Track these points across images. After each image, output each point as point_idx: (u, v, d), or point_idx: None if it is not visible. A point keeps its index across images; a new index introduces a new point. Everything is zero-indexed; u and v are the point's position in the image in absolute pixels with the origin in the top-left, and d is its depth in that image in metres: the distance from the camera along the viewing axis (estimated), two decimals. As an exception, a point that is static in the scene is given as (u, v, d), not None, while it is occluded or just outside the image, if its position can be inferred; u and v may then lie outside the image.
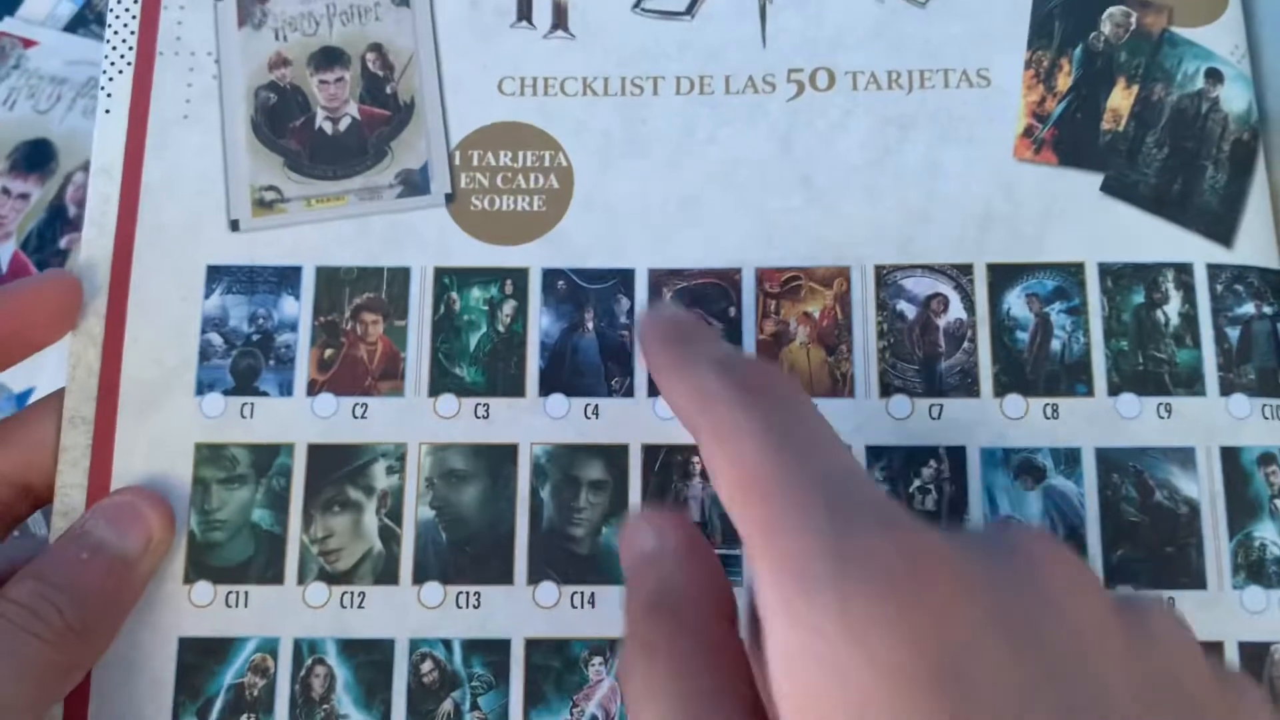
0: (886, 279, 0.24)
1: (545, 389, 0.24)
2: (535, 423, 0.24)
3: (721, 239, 0.25)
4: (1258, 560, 0.23)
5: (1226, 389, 0.24)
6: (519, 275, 0.24)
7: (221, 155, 0.25)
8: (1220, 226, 0.24)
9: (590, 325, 0.24)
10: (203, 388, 0.24)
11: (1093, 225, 0.24)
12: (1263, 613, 0.23)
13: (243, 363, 0.24)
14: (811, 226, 0.25)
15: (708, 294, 0.24)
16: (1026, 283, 0.24)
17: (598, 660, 0.23)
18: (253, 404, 0.24)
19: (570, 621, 0.23)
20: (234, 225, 0.25)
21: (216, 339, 0.24)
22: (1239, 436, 0.24)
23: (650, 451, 0.24)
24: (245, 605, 0.23)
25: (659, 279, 0.24)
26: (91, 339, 0.24)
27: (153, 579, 0.23)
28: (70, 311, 0.24)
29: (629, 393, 0.24)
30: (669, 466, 0.24)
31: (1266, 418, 0.24)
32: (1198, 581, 0.23)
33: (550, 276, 0.24)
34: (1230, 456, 0.23)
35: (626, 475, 0.24)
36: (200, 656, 0.23)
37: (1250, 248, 0.24)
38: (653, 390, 0.24)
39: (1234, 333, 0.24)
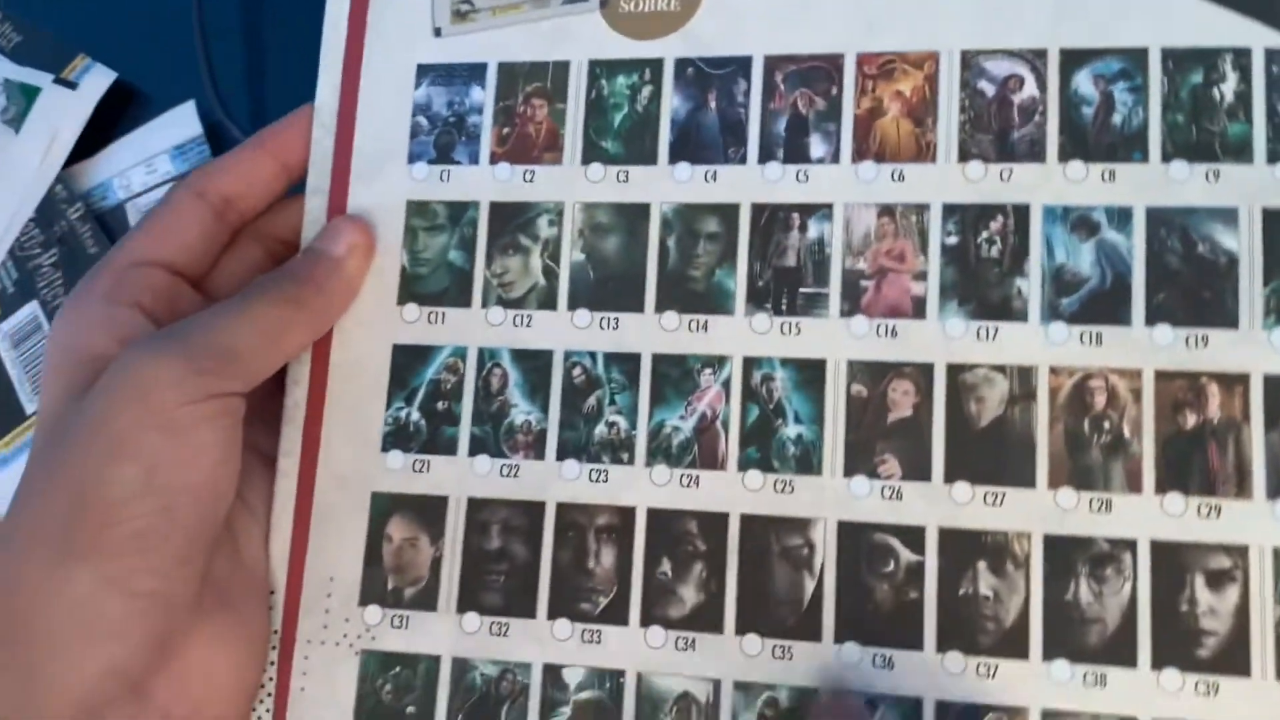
0: (970, 62, 0.29)
1: (674, 158, 0.30)
2: (664, 186, 0.30)
3: (827, 28, 0.30)
4: (1287, 305, 0.27)
5: (1273, 158, 0.28)
6: (655, 65, 0.31)
7: (427, -24, 0.33)
8: (1274, 12, 0.28)
9: (713, 105, 0.31)
10: (412, 158, 0.32)
11: (1158, 13, 0.28)
12: (1283, 350, 0.27)
13: (442, 139, 0.32)
14: (909, 16, 0.30)
15: (815, 75, 0.30)
16: (1094, 65, 0.29)
17: (708, 371, 0.29)
18: (449, 170, 0.32)
19: (686, 341, 0.30)
20: (437, 32, 0.33)
21: (423, 120, 0.32)
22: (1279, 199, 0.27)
23: (758, 209, 0.30)
24: (442, 322, 0.31)
25: (772, 64, 0.30)
26: (326, 128, 0.32)
27: (373, 302, 0.31)
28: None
29: (742, 160, 0.30)
30: (772, 221, 0.30)
31: (1310, 182, 0.27)
32: (1230, 322, 0.27)
33: (681, 65, 0.31)
34: (1272, 216, 0.27)
35: (737, 229, 0.30)
36: (408, 359, 0.31)
37: None
38: (763, 157, 0.30)
39: (1288, 106, 0.28)
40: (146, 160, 0.40)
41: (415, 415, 0.31)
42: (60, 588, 0.26)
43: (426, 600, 0.30)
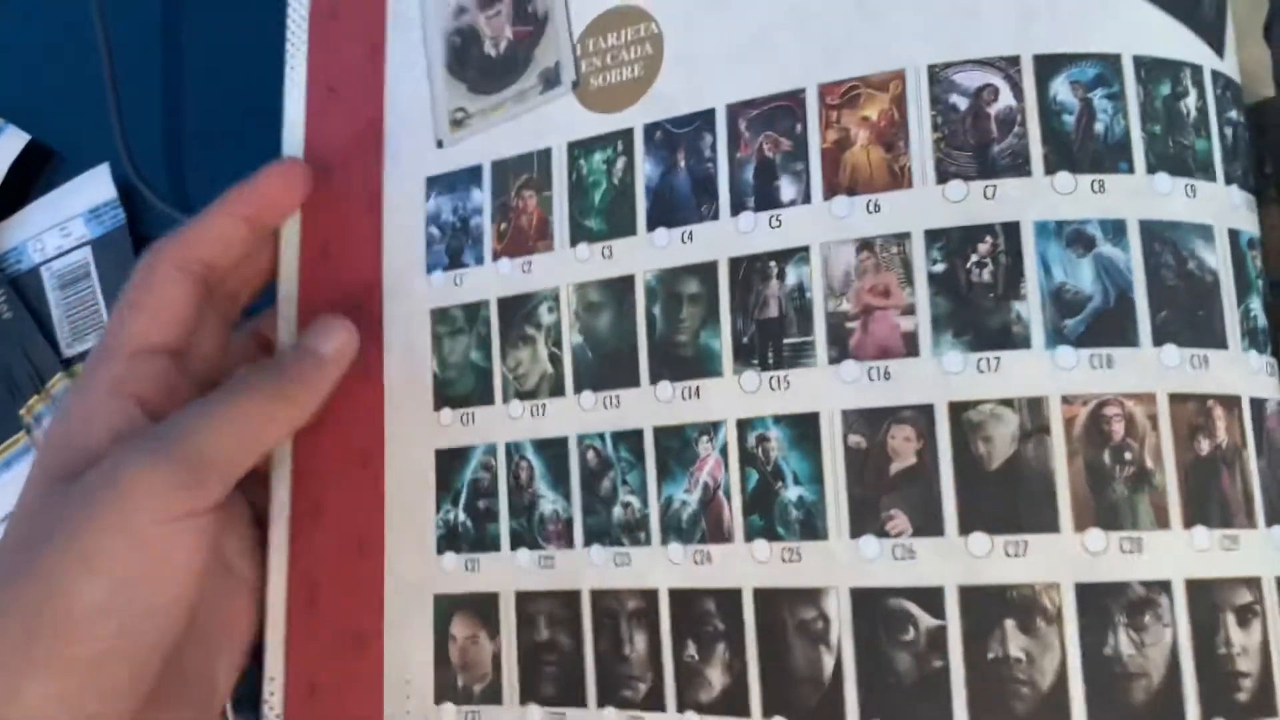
0: (938, 76, 0.27)
1: (651, 225, 0.30)
2: (644, 255, 0.30)
3: (785, 64, 0.29)
4: (1252, 329, 0.23)
5: (1228, 179, 0.24)
6: (626, 135, 0.31)
7: (429, 90, 0.35)
8: (1215, 37, 0.25)
9: (683, 164, 0.30)
10: (429, 268, 0.34)
11: (1124, 20, 0.25)
12: (1258, 374, 0.24)
13: (453, 245, 0.33)
14: (867, 39, 0.28)
15: (778, 116, 0.29)
16: (1070, 71, 0.25)
17: (705, 438, 0.29)
18: (461, 274, 0.33)
19: (681, 410, 0.29)
20: (439, 143, 0.34)
21: (435, 230, 0.34)
22: (1238, 220, 0.24)
23: (735, 263, 0.29)
24: (473, 422, 0.32)
25: (735, 111, 0.29)
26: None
27: (413, 410, 0.33)
28: (301, 187, 0.34)
29: (714, 216, 0.29)
30: (750, 273, 0.29)
31: (1249, 209, 0.24)
32: (1221, 343, 0.24)
33: (649, 130, 0.30)
34: (1234, 236, 0.24)
35: (716, 286, 0.29)
36: (449, 461, 0.33)
37: (1231, 64, 0.25)
38: (734, 209, 0.29)
39: (1229, 132, 0.24)
40: (61, 224, 0.42)
41: (462, 515, 0.32)
42: (7, 698, 0.26)
43: (493, 694, 0.31)
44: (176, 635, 0.29)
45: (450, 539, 0.32)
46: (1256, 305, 0.25)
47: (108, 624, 0.27)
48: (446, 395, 0.33)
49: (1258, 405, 0.24)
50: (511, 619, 0.31)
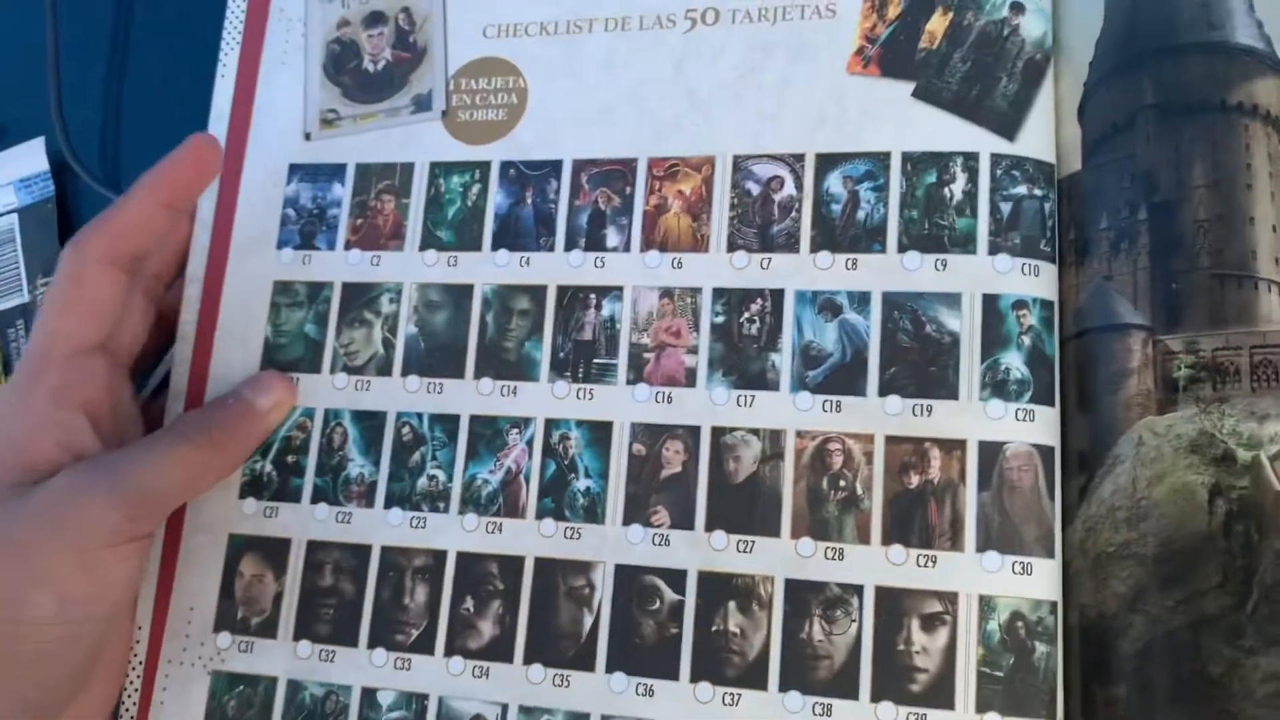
0: (740, 165, 0.34)
1: (495, 245, 0.36)
2: (486, 269, 0.36)
3: (624, 135, 0.35)
4: (1002, 380, 0.31)
5: (994, 250, 0.32)
6: (484, 166, 0.36)
7: (303, 88, 0.39)
8: (1007, 125, 0.33)
9: (529, 200, 0.36)
10: (280, 244, 0.37)
11: (902, 123, 0.33)
12: (1001, 419, 0.31)
13: (306, 228, 0.38)
14: (691, 127, 0.35)
15: (613, 176, 0.35)
16: (844, 167, 0.33)
17: (515, 430, 0.34)
18: (310, 255, 0.37)
19: (498, 404, 0.35)
20: (307, 136, 0.38)
21: (291, 212, 0.38)
22: (999, 286, 0.32)
23: (562, 290, 0.35)
24: (296, 385, 0.36)
25: (579, 166, 0.36)
26: (205, 224, 0.38)
27: (239, 368, 0.37)
28: (214, 164, 0.37)
29: (551, 248, 0.35)
30: (574, 300, 0.35)
31: (1024, 274, 0.32)
32: (951, 394, 0.31)
33: (505, 167, 0.36)
34: (990, 301, 0.32)
35: (544, 306, 0.35)
36: (268, 417, 0.36)
37: (1030, 143, 0.33)
38: (568, 246, 0.35)
39: (1006, 207, 0.32)
40: None
41: (269, 468, 0.36)
42: None
43: (268, 629, 0.35)
44: (109, 632, 0.33)
45: (253, 486, 0.36)
46: (1012, 359, 0.31)
47: (53, 632, 0.30)
48: (273, 358, 0.37)
49: (989, 447, 0.31)
50: (299, 564, 0.35)
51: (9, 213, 0.46)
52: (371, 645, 0.34)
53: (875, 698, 0.30)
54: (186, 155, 0.36)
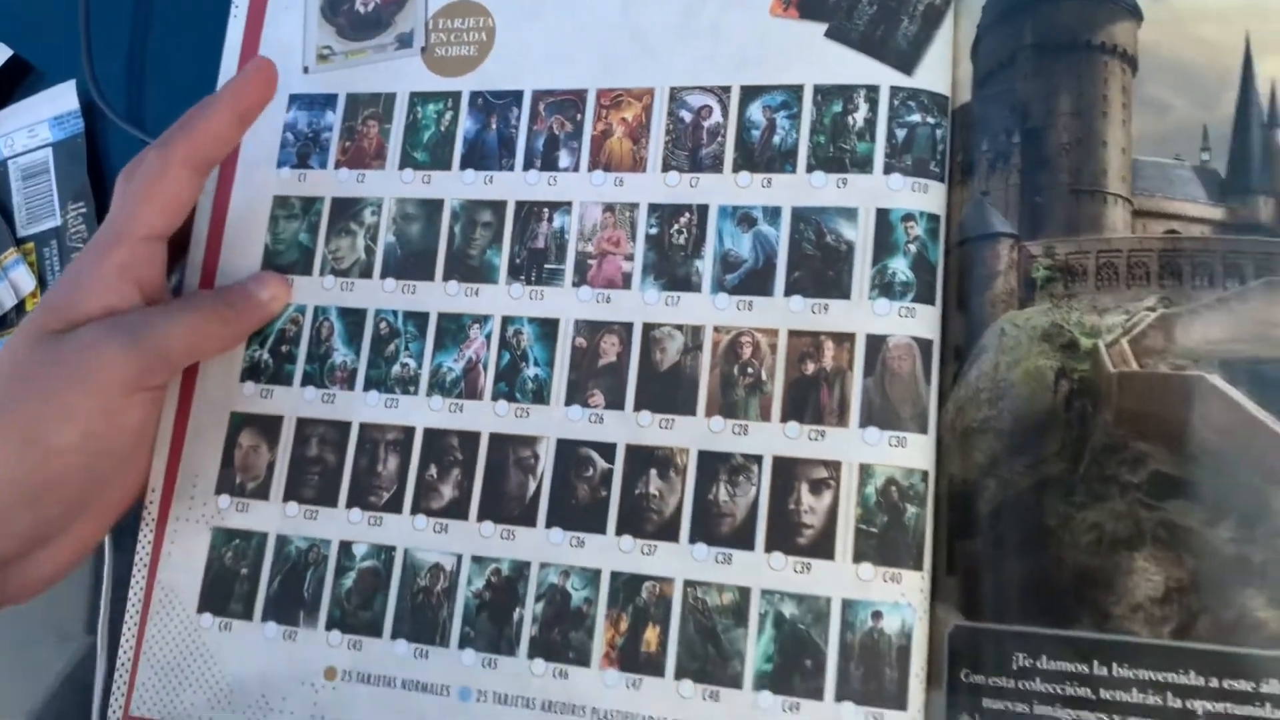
0: (676, 95, 0.39)
1: (463, 166, 0.41)
2: (454, 186, 0.41)
3: (577, 70, 0.40)
4: (889, 282, 0.36)
5: (888, 170, 0.37)
6: (455, 96, 0.41)
7: (302, 27, 0.44)
8: (905, 61, 0.37)
9: (494, 126, 0.41)
10: (280, 164, 0.43)
11: (815, 59, 0.38)
12: (885, 316, 0.36)
13: (302, 150, 0.43)
14: (635, 62, 0.40)
15: (566, 105, 0.40)
16: (764, 98, 0.38)
17: (476, 326, 0.39)
18: (305, 173, 0.43)
19: (462, 303, 0.40)
20: (305, 69, 0.44)
21: (290, 136, 0.43)
22: (891, 201, 0.36)
23: (520, 205, 0.40)
24: (291, 285, 0.42)
25: (538, 96, 0.41)
26: None
27: (244, 271, 0.42)
28: (274, 81, 0.41)
29: (511, 168, 0.40)
30: (529, 214, 0.40)
31: (913, 191, 0.36)
32: (845, 294, 0.36)
33: (474, 96, 0.41)
34: (882, 214, 0.36)
35: (504, 219, 0.40)
36: (266, 313, 0.42)
37: (926, 77, 0.37)
38: (525, 166, 0.40)
39: (901, 133, 0.37)
40: (29, 126, 0.51)
41: (266, 356, 0.41)
42: None
43: (262, 492, 0.40)
44: (120, 468, 0.38)
45: (252, 371, 0.41)
46: (898, 264, 0.35)
47: (73, 459, 0.36)
48: (273, 263, 0.42)
49: (874, 339, 0.35)
50: (290, 437, 0.40)
51: (44, 147, 0.51)
52: (349, 505, 0.39)
53: (768, 549, 0.35)
54: (253, 73, 0.40)
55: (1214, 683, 0.30)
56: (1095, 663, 0.31)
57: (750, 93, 0.38)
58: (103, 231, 0.39)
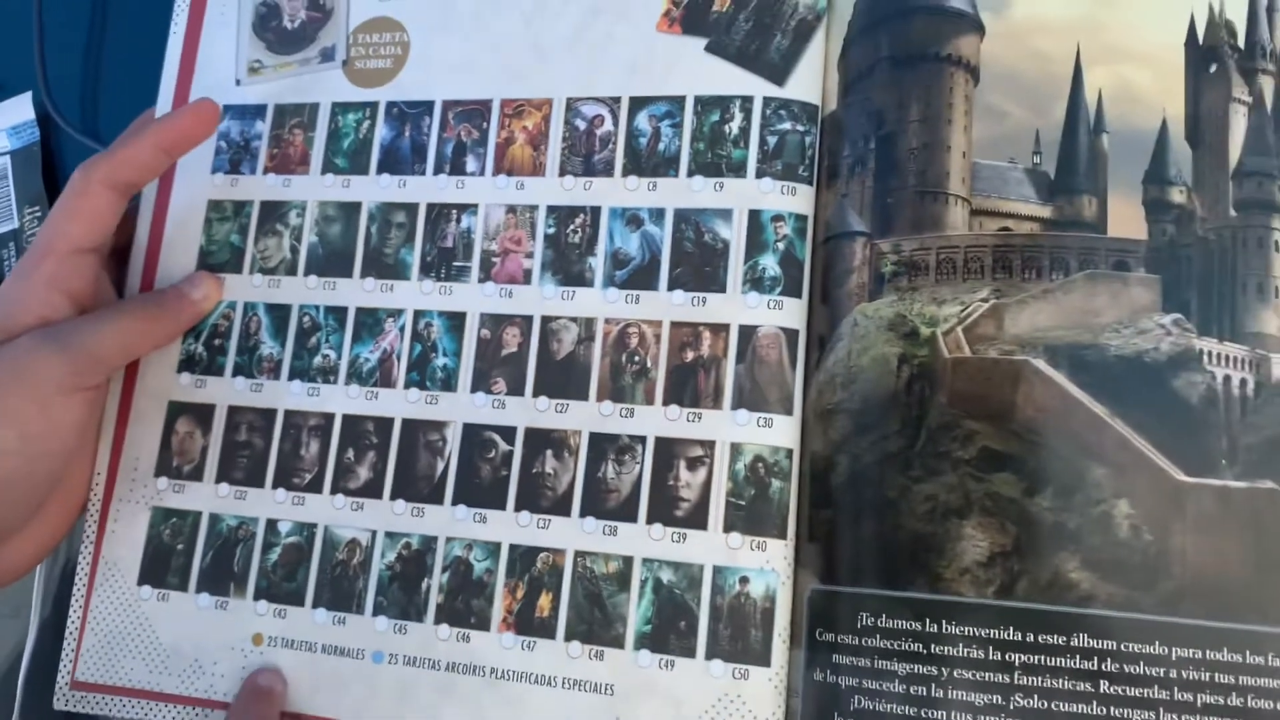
0: (572, 105, 0.42)
1: (380, 170, 0.44)
2: (372, 189, 0.44)
3: (483, 81, 0.43)
4: (759, 277, 0.39)
5: (760, 174, 0.40)
6: (373, 106, 0.45)
7: (235, 43, 0.47)
8: (777, 73, 0.40)
9: (408, 134, 0.44)
10: (214, 169, 0.46)
11: (696, 72, 0.41)
12: (756, 308, 0.39)
13: (234, 157, 0.46)
14: (535, 74, 0.43)
15: (473, 114, 0.43)
16: (650, 108, 0.41)
17: (390, 319, 0.43)
18: (236, 179, 0.46)
19: (378, 298, 0.43)
20: (237, 82, 0.47)
21: (223, 144, 0.46)
22: (762, 203, 0.39)
23: (430, 207, 0.43)
24: (224, 283, 0.45)
25: (447, 106, 0.44)
26: None
27: (179, 271, 0.45)
28: (211, 125, 0.43)
29: (423, 172, 0.43)
30: (440, 215, 0.43)
31: (783, 193, 0.40)
32: (721, 288, 0.39)
33: (390, 106, 0.44)
34: (754, 215, 0.40)
35: (417, 220, 0.43)
36: (201, 309, 0.45)
37: (797, 88, 0.40)
38: (436, 171, 0.43)
39: (773, 140, 0.40)
40: None
41: (200, 348, 0.45)
42: None
43: (196, 474, 0.43)
44: (64, 466, 0.41)
45: (188, 363, 0.44)
46: (768, 261, 0.39)
47: (14, 461, 0.38)
48: (207, 263, 0.45)
49: (746, 329, 0.39)
50: (222, 424, 0.44)
51: (2, 155, 0.54)
52: (275, 486, 0.42)
53: (650, 520, 0.38)
54: (189, 112, 0.42)
55: (1030, 637, 0.33)
56: (928, 621, 0.34)
57: (638, 103, 0.42)
58: (33, 248, 0.42)
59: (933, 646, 0.34)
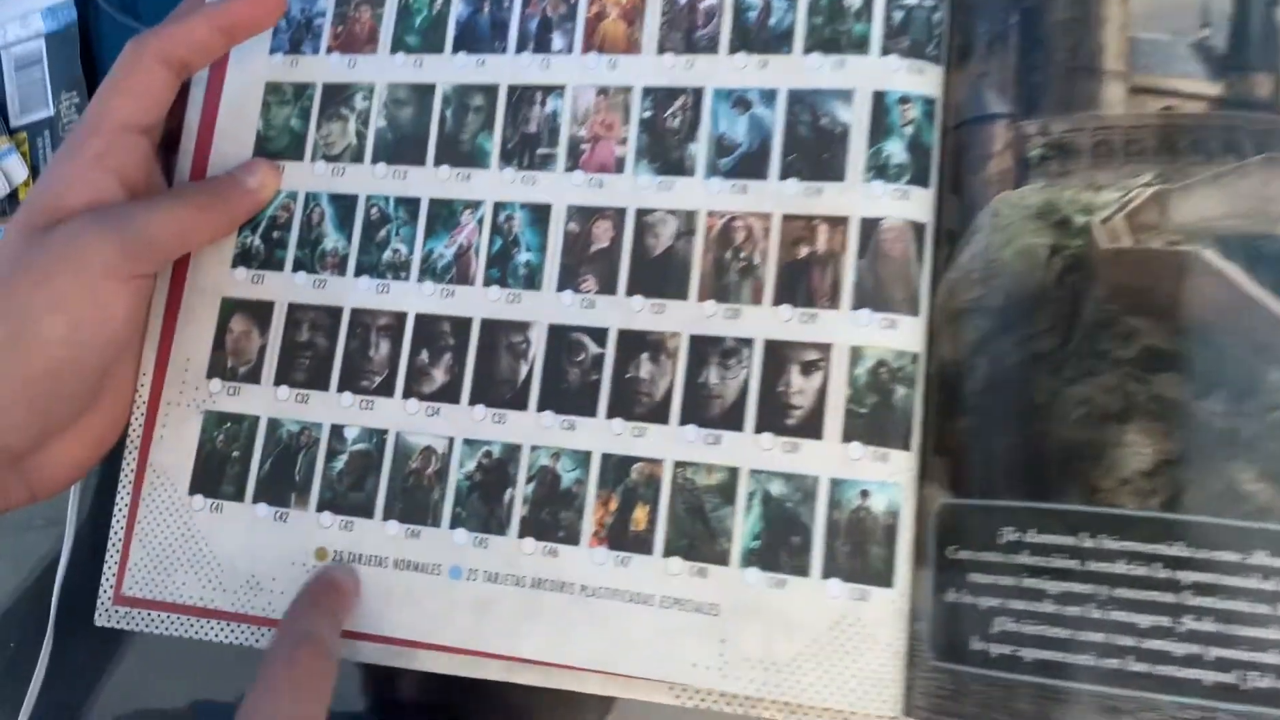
0: (674, -22, 0.38)
1: (455, 49, 0.40)
2: (446, 70, 0.40)
3: (574, -44, 0.39)
4: (883, 165, 0.35)
5: (885, 52, 0.36)
6: (450, -21, 0.40)
7: (295, -88, 0.43)
8: (904, -60, 0.36)
9: (486, 9, 0.40)
10: (272, 50, 0.42)
11: (814, -60, 0.37)
12: (880, 198, 0.35)
13: (295, 36, 0.42)
14: (630, -54, 0.39)
15: (566, -13, 0.39)
16: (760, -21, 0.37)
17: (468, 211, 0.39)
18: (297, 59, 0.42)
19: (454, 188, 0.39)
20: (297, -46, 0.42)
21: (282, 22, 0.42)
22: (887, 83, 0.36)
23: (512, 89, 0.39)
24: (283, 172, 0.41)
25: (538, -30, 0.40)
26: None
27: (234, 156, 0.41)
28: (276, 13, 0.40)
29: (504, 51, 0.39)
30: (522, 98, 0.39)
31: (910, 73, 0.36)
32: (839, 176, 0.36)
33: (467, -20, 0.40)
34: (878, 97, 0.36)
35: (496, 103, 0.39)
36: (257, 200, 0.41)
37: None
38: (518, 49, 0.39)
39: (899, 15, 0.36)
40: (22, 16, 0.51)
41: (258, 241, 0.41)
42: None
43: (253, 376, 0.40)
44: (112, 359, 0.37)
45: (244, 257, 0.41)
46: (893, 147, 0.35)
47: (64, 351, 0.35)
48: (265, 150, 0.41)
49: (868, 222, 0.35)
50: (281, 322, 0.40)
51: (37, 37, 0.50)
52: (340, 390, 0.39)
53: (758, 429, 0.35)
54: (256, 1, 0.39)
55: (1202, 554, 0.29)
56: (1083, 535, 0.30)
57: (748, -26, 0.38)
58: (79, 126, 0.39)
59: (1089, 562, 0.30)
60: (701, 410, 0.36)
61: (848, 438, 0.34)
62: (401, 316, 0.39)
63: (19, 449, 0.36)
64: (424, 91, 0.40)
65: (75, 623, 0.43)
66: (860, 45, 0.36)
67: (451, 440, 0.38)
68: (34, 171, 0.48)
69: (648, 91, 0.38)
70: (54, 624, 0.43)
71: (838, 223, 0.35)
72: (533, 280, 0.38)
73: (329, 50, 0.41)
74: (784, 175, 0.36)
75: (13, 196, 0.48)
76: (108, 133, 0.38)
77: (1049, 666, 0.30)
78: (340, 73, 0.41)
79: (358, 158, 0.40)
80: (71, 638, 0.44)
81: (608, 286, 0.37)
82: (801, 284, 0.35)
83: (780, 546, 0.34)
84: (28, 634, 0.44)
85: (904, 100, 0.36)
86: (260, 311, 0.40)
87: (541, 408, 0.37)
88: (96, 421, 0.39)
